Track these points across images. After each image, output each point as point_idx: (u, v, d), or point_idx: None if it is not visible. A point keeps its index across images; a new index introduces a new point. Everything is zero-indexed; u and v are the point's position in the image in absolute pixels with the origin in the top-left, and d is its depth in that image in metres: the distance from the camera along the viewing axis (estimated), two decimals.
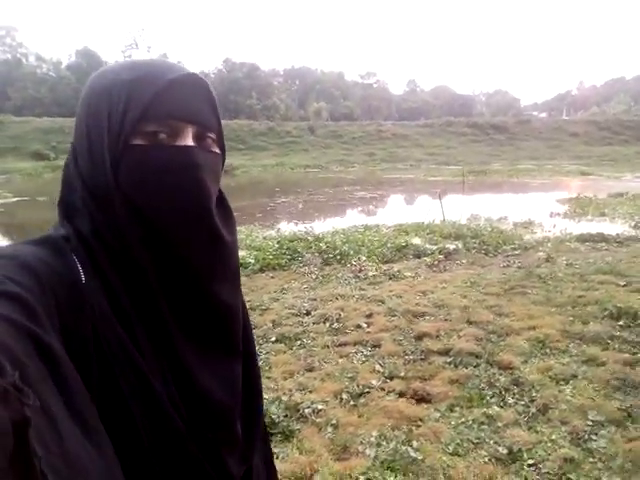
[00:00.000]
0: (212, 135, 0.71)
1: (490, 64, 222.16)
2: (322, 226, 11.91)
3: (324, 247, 8.39)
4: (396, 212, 14.35)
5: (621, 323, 4.40)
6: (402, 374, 3.74)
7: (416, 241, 9.40)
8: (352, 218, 13.51)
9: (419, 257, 8.06)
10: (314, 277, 6.94)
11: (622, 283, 5.83)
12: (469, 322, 4.67)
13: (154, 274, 0.64)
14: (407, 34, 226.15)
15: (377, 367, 3.90)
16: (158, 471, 0.60)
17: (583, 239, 9.38)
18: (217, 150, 0.73)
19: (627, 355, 3.73)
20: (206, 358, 0.69)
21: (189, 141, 0.67)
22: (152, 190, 0.65)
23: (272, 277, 7.13)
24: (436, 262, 7.51)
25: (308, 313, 5.28)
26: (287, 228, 11.58)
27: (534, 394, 3.29)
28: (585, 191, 16.98)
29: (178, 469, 0.62)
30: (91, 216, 0.64)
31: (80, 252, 0.61)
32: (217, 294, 0.70)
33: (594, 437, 2.76)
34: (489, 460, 2.63)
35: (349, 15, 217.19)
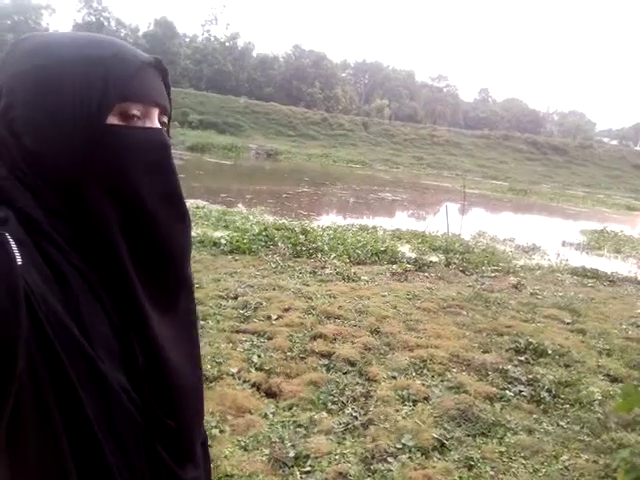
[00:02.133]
0: (165, 119, 0.73)
1: (570, 83, 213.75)
2: (325, 220, 11.98)
3: (302, 240, 8.45)
4: (406, 217, 14.23)
5: (522, 358, 4.27)
6: (269, 367, 3.79)
7: (402, 249, 9.33)
8: (358, 217, 13.45)
9: (394, 263, 8.01)
10: (274, 266, 7.02)
11: (567, 321, 5.63)
12: (373, 331, 4.65)
13: (127, 253, 0.64)
14: (486, 42, 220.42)
15: (253, 358, 3.96)
16: (114, 464, 0.58)
17: (575, 272, 9.05)
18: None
19: (494, 389, 3.63)
20: (176, 337, 0.70)
21: (157, 123, 0.69)
22: (129, 168, 0.65)
23: (236, 260, 7.26)
24: (402, 271, 7.44)
25: (235, 297, 5.37)
26: (287, 216, 11.70)
27: (371, 409, 3.28)
28: (619, 226, 16.26)
29: (135, 461, 0.61)
30: (42, 197, 0.61)
31: (19, 234, 0.56)
32: (187, 272, 0.73)
33: (390, 460, 2.74)
34: (268, 460, 2.66)
35: (428, 15, 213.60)
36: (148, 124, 0.68)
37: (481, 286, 7.08)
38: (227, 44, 66.54)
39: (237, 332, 4.48)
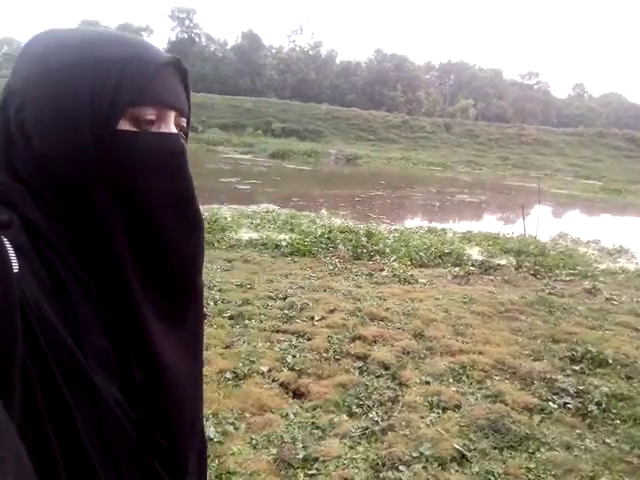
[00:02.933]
0: (184, 122, 0.70)
1: None
2: (394, 223, 11.77)
3: (364, 242, 8.35)
4: (481, 219, 13.65)
5: (576, 367, 3.93)
6: (300, 368, 3.75)
7: (471, 251, 8.96)
8: (428, 219, 13.09)
9: (459, 266, 7.70)
10: (331, 268, 6.99)
11: None
12: (416, 335, 4.47)
13: (131, 263, 0.62)
14: (580, 35, 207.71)
15: (287, 357, 3.94)
16: (103, 477, 0.56)
17: None
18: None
19: (536, 400, 3.36)
20: (181, 351, 0.68)
21: (172, 127, 0.66)
22: (140, 177, 0.62)
23: (294, 262, 7.31)
24: (464, 274, 7.13)
25: (284, 298, 5.39)
26: (356, 219, 11.62)
27: (395, 414, 3.13)
28: None
29: (126, 474, 0.60)
30: (48, 201, 0.60)
31: (19, 239, 0.55)
32: (197, 284, 0.71)
33: (402, 468, 2.59)
34: (274, 460, 2.61)
35: (516, 11, 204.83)
36: (163, 129, 0.65)
37: (551, 290, 6.62)
38: (310, 53, 67.76)
39: (277, 332, 4.48)
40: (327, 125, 41.09)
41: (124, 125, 0.61)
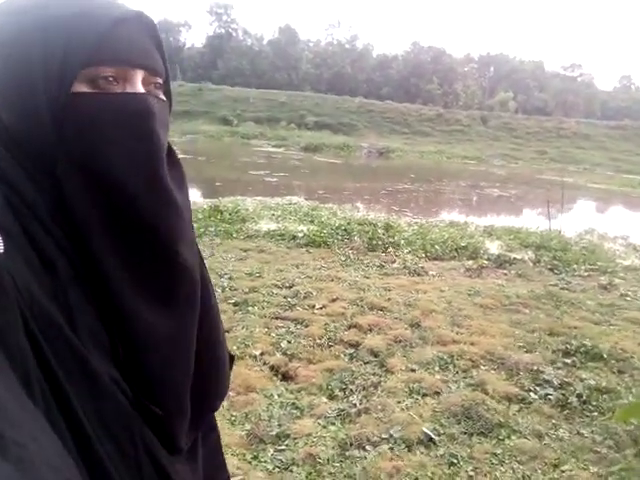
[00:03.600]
0: (159, 80, 0.65)
1: None
2: (417, 215, 11.75)
3: (380, 234, 8.41)
4: (508, 213, 13.46)
5: (568, 360, 3.92)
6: (292, 352, 3.88)
7: (490, 245, 8.89)
8: (452, 212, 12.99)
9: (474, 259, 7.67)
10: (343, 259, 7.08)
11: None
12: (413, 325, 4.53)
13: (102, 239, 0.59)
14: (627, 26, 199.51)
15: (282, 343, 4.07)
16: (105, 456, 0.54)
17: None
18: (163, 97, 0.67)
19: (517, 390, 3.39)
20: (162, 323, 0.64)
21: (138, 87, 0.61)
22: (101, 142, 0.58)
23: (309, 252, 7.42)
24: (477, 267, 7.11)
25: (290, 287, 5.52)
26: (379, 212, 11.66)
27: (374, 398, 3.23)
28: None
29: (128, 451, 0.58)
30: (15, 178, 0.56)
31: (6, 216, 0.53)
32: (183, 257, 0.65)
33: (368, 448, 2.69)
34: (247, 435, 2.75)
35: (556, 1, 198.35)
36: (128, 89, 0.60)
37: (564, 285, 6.55)
38: (347, 46, 67.54)
39: (277, 318, 4.61)
40: (361, 118, 40.94)
41: (80, 87, 0.57)
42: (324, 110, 41.45)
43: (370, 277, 6.18)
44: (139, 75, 0.61)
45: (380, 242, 8.05)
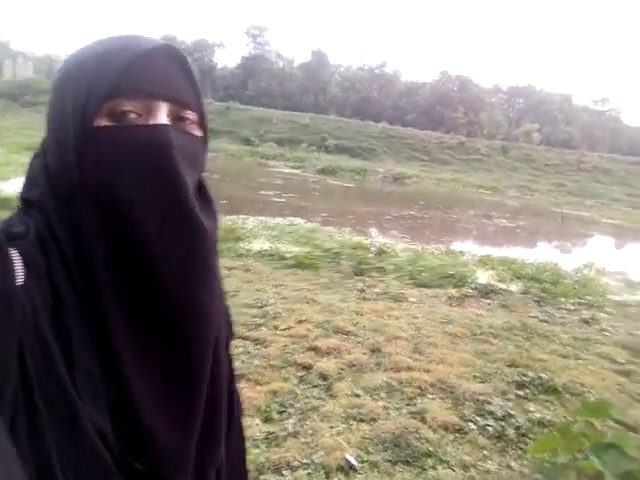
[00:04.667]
0: (191, 115, 0.64)
1: None
2: (416, 242, 11.70)
3: (369, 259, 8.41)
4: (510, 245, 13.32)
5: (520, 392, 3.85)
6: (243, 373, 3.87)
7: (480, 274, 8.80)
8: (451, 241, 12.89)
9: (460, 287, 7.60)
10: (326, 282, 7.09)
11: (620, 361, 4.93)
12: (373, 350, 4.50)
13: (111, 282, 0.57)
14: None
15: (236, 363, 4.07)
16: None
17: None
18: (197, 132, 0.65)
19: (456, 420, 3.33)
20: (161, 390, 0.60)
21: (161, 119, 0.59)
22: (116, 175, 0.57)
23: (295, 274, 7.44)
24: (460, 296, 7.04)
25: (261, 307, 5.54)
26: (376, 237, 11.66)
27: (307, 422, 3.20)
28: None
29: None
30: (47, 213, 0.57)
31: (30, 251, 0.54)
32: (199, 306, 0.62)
33: (285, 473, 2.67)
34: None
35: (588, 35, 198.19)
36: (151, 121, 0.59)
37: (545, 317, 6.45)
38: (376, 72, 68.27)
39: (239, 338, 4.63)
40: (381, 144, 41.19)
41: (101, 122, 0.57)
42: (345, 134, 41.86)
43: (347, 301, 6.17)
44: (163, 107, 0.60)
45: (368, 267, 8.05)
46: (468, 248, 11.57)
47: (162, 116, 0.59)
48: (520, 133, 61.66)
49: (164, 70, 0.60)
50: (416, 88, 68.22)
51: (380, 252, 9.12)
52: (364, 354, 4.39)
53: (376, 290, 6.86)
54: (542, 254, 10.91)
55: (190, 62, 0.63)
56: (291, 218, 12.73)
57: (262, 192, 17.81)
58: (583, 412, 2.20)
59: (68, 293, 0.54)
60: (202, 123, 0.65)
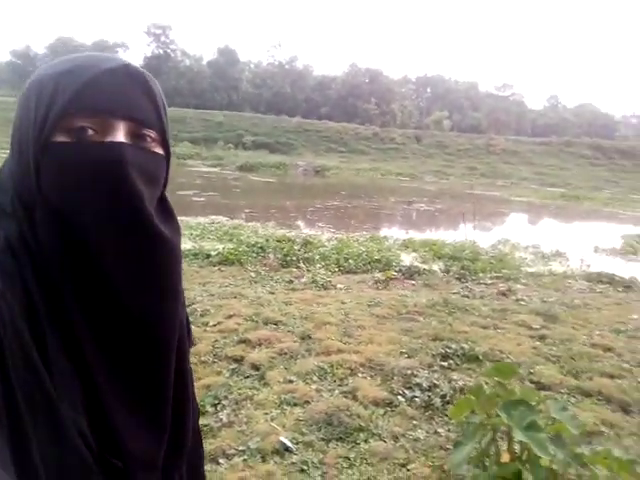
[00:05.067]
0: (151, 133, 0.65)
1: None
2: (340, 231, 11.90)
3: (296, 251, 8.46)
4: (429, 227, 13.88)
5: (444, 363, 4.05)
6: None
7: (405, 257, 9.11)
8: (375, 228, 13.23)
9: (386, 271, 7.83)
10: (253, 276, 7.07)
11: (535, 327, 5.29)
12: (304, 337, 4.54)
13: (71, 290, 0.58)
14: (555, 48, 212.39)
15: None
16: None
17: (589, 278, 8.51)
18: (158, 150, 0.67)
19: (386, 394, 3.46)
20: (130, 393, 0.63)
21: (119, 137, 0.61)
22: (74, 192, 0.59)
23: (221, 271, 7.36)
24: (385, 279, 7.26)
25: (189, 305, 5.42)
26: (303, 229, 11.75)
27: (242, 411, 3.22)
28: None
29: None
30: (18, 220, 0.59)
31: (2, 258, 0.56)
32: (146, 312, 0.64)
33: (222, 461, 2.67)
34: None
35: (491, 24, 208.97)
36: (108, 139, 0.60)
37: (466, 293, 6.80)
38: (286, 67, 68.32)
39: None
40: (298, 138, 41.40)
41: (58, 137, 0.59)
42: (262, 130, 41.69)
43: (275, 293, 6.20)
44: (121, 126, 0.61)
45: (295, 258, 8.11)
46: (391, 233, 11.91)
47: (120, 134, 0.60)
48: (431, 121, 63.94)
49: (123, 89, 0.61)
50: (328, 82, 69.04)
51: (306, 243, 9.22)
52: (295, 342, 4.44)
53: (304, 280, 6.94)
54: (460, 234, 11.41)
55: (151, 81, 0.64)
56: (213, 217, 12.56)
57: (181, 192, 17.38)
58: (492, 374, 2.38)
59: (40, 298, 0.56)
60: (163, 141, 0.66)
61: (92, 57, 0.62)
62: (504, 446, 2.11)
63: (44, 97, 0.59)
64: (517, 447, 2.05)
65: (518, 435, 1.92)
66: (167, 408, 0.67)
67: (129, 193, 0.59)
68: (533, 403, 2.15)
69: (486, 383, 3.66)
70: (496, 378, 2.38)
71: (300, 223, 12.76)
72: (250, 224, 11.60)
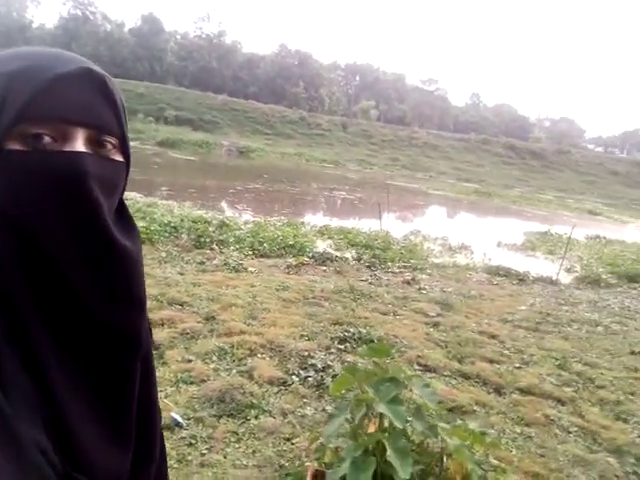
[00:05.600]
0: (112, 140, 0.61)
1: (562, 90, 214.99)
2: (259, 215, 11.95)
3: (210, 232, 8.43)
4: (347, 215, 14.25)
5: (341, 346, 4.28)
6: None
7: (319, 244, 9.33)
8: (293, 213, 13.39)
9: (300, 257, 7.99)
10: (164, 256, 6.98)
11: (431, 314, 5.65)
12: (208, 318, 4.61)
13: (31, 304, 0.56)
14: (479, 47, 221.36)
15: None
16: None
17: (489, 271, 9.13)
18: (118, 157, 0.64)
19: (281, 374, 3.63)
20: (92, 407, 0.60)
21: (78, 146, 0.57)
22: (29, 202, 0.55)
23: None
24: (298, 264, 7.43)
25: None
26: (220, 210, 11.69)
27: None
28: (573, 228, 16.33)
29: None
30: None
31: None
32: (112, 324, 0.62)
33: None
34: None
35: (420, 17, 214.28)
36: (66, 147, 0.57)
37: (375, 280, 7.11)
38: (214, 41, 66.50)
39: None
40: (224, 116, 40.61)
41: (12, 144, 0.55)
42: (185, 105, 40.48)
43: (185, 274, 6.18)
44: (80, 133, 0.57)
45: (209, 239, 8.09)
46: (310, 219, 12.09)
47: (79, 142, 0.57)
48: (359, 110, 64.91)
49: (81, 94, 0.58)
50: (256, 60, 68.02)
51: (222, 225, 9.19)
52: (198, 322, 4.50)
53: (215, 262, 6.96)
54: (376, 223, 11.78)
55: (111, 84, 0.61)
56: (126, 193, 12.14)
57: None
58: (368, 354, 2.59)
59: None
60: (123, 146, 0.64)
61: (45, 56, 0.59)
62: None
63: None
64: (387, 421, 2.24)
65: (380, 408, 2.12)
66: (131, 419, 0.66)
67: (89, 206, 0.57)
68: (402, 381, 2.38)
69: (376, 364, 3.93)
70: (373, 358, 2.59)
71: (219, 204, 12.66)
72: (166, 203, 11.37)
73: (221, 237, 8.31)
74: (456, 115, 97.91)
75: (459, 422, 2.71)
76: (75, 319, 0.58)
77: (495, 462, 2.57)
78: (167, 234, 8.03)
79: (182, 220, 8.98)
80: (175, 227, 8.37)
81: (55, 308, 0.57)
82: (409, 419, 2.23)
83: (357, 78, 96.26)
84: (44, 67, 0.56)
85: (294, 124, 42.60)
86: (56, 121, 0.56)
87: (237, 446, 2.75)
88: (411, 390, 2.46)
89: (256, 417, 3.06)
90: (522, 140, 58.43)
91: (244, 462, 2.61)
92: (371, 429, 2.28)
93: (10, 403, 0.51)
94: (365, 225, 11.75)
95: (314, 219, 12.51)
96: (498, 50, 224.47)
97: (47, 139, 0.55)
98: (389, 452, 2.03)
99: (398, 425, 2.06)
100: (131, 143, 0.68)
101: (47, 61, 0.57)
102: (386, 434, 2.15)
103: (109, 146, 0.61)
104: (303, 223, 11.21)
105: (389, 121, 60.71)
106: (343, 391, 2.51)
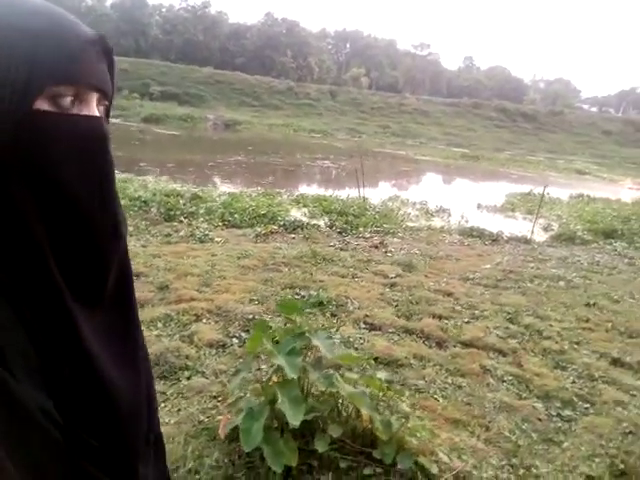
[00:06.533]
0: (107, 103, 0.66)
1: (557, 50, 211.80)
2: (237, 187, 11.94)
3: (180, 205, 8.44)
4: (328, 184, 14.23)
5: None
6: None
7: (293, 213, 9.34)
8: (271, 184, 13.34)
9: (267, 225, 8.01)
10: (131, 229, 7.00)
11: (391, 276, 5.70)
12: (161, 287, 4.64)
13: (49, 250, 0.58)
14: (471, 9, 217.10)
15: None
16: None
17: (462, 232, 9.17)
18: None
19: (220, 337, 3.69)
20: (107, 335, 0.64)
21: (94, 109, 0.62)
22: (57, 162, 0.58)
23: None
24: (266, 233, 7.46)
25: None
26: (196, 184, 11.65)
27: None
28: (558, 190, 16.31)
29: None
30: None
31: None
32: (112, 262, 0.66)
33: None
34: None
35: None
36: (85, 111, 0.60)
37: (343, 245, 7.15)
38: (199, 13, 65.22)
39: None
40: (209, 90, 40.10)
41: (41, 104, 0.57)
42: (171, 79, 39.93)
43: (148, 246, 6.22)
44: (94, 97, 0.62)
45: (179, 212, 8.10)
46: (289, 189, 12.06)
47: (93, 106, 0.62)
48: (349, 77, 64.11)
49: (100, 61, 0.62)
50: (243, 30, 66.87)
51: (194, 197, 9.19)
52: (151, 292, 4.53)
53: (181, 234, 6.98)
54: (355, 191, 11.76)
55: (114, 53, 0.66)
56: None
57: None
58: (280, 310, 2.64)
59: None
60: (108, 111, 0.68)
61: (62, 16, 0.61)
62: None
63: (22, 60, 0.55)
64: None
65: (277, 359, 2.18)
66: (142, 372, 0.70)
67: (109, 165, 0.63)
68: (308, 335, 2.43)
69: (322, 325, 3.99)
70: (284, 314, 2.64)
71: (197, 179, 12.60)
72: (141, 178, 11.34)
73: (191, 209, 8.32)
74: (449, 79, 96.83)
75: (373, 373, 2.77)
76: (84, 260, 0.61)
77: (407, 409, 2.63)
78: (136, 208, 8.04)
79: (154, 194, 8.97)
80: (145, 201, 8.37)
81: (70, 255, 0.60)
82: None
83: (347, 45, 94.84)
84: (68, 30, 0.59)
85: (282, 94, 42.09)
86: (81, 86, 0.59)
87: (164, 405, 2.81)
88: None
89: (188, 378, 3.12)
90: (516, 102, 57.87)
91: (166, 420, 2.67)
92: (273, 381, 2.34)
93: (6, 360, 0.52)
94: (345, 193, 11.73)
95: (294, 189, 12.47)
96: (491, 11, 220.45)
97: (69, 100, 0.59)
98: (280, 401, 2.08)
99: (291, 374, 2.12)
100: (115, 120, 0.71)
101: (68, 22, 0.60)
102: (281, 385, 2.21)
103: (103, 108, 0.65)
104: (279, 192, 11.19)
105: (381, 88, 60.03)
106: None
